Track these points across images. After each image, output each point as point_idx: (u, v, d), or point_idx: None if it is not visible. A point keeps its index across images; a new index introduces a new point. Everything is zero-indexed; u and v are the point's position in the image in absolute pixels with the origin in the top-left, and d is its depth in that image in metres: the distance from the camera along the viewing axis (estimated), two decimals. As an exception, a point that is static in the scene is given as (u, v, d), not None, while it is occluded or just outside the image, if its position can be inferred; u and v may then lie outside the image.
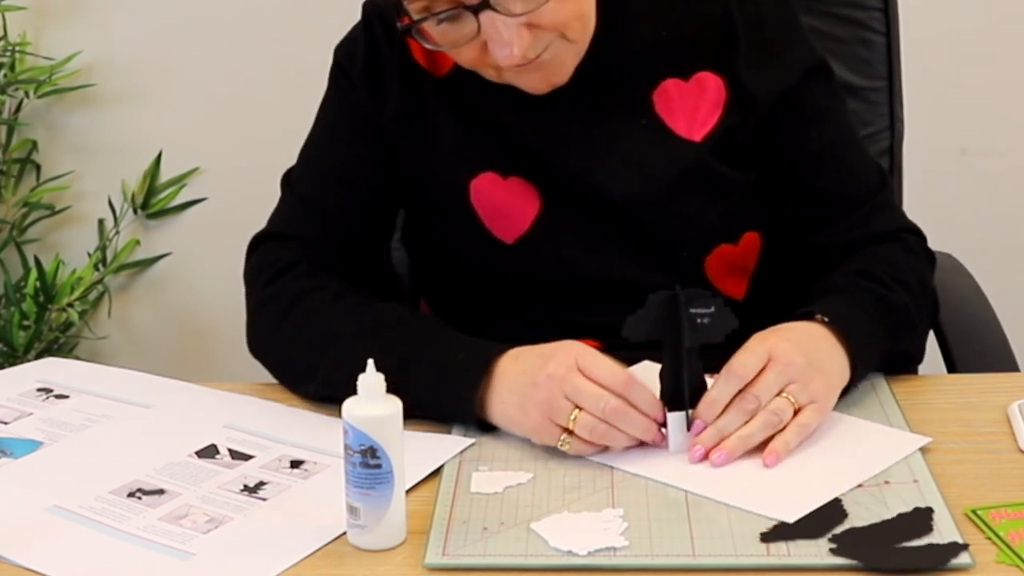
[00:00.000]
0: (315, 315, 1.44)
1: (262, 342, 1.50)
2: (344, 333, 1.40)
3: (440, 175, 1.52)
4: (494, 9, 1.33)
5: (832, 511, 1.18)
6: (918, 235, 1.56)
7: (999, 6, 2.51)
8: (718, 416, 1.28)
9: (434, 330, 1.41)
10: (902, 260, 1.50)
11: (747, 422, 1.28)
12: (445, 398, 1.34)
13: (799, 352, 1.30)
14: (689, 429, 1.29)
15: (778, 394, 1.29)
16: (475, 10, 1.34)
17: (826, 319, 1.36)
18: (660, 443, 1.29)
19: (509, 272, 1.53)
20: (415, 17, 1.37)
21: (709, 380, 1.30)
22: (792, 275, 1.56)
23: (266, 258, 1.53)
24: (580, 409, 1.27)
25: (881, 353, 1.41)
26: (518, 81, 1.43)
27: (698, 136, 1.49)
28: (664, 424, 1.29)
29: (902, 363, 1.47)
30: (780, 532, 1.15)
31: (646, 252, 1.50)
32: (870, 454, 1.28)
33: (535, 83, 1.44)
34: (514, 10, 1.34)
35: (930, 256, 1.56)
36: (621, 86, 1.49)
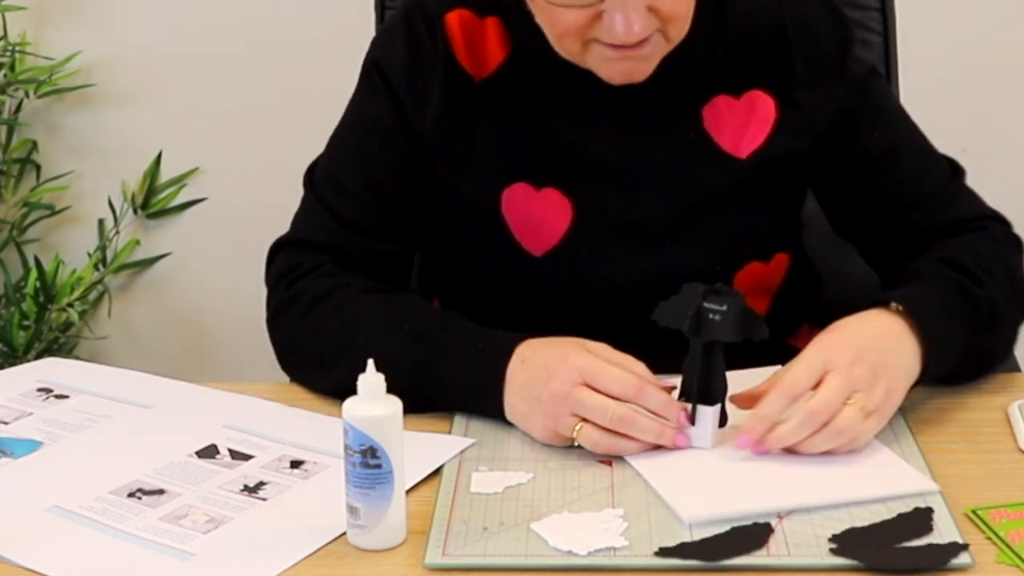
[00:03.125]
0: (339, 310, 1.43)
1: (285, 341, 1.49)
2: (369, 327, 1.40)
3: (473, 183, 1.50)
4: None
5: (755, 531, 1.16)
6: (1002, 222, 1.53)
7: (999, 5, 2.51)
8: (774, 425, 1.25)
9: (454, 324, 1.40)
10: (988, 248, 1.46)
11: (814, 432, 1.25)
12: (468, 394, 1.35)
13: (859, 360, 1.27)
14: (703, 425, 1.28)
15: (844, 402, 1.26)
16: None
17: (901, 308, 1.33)
18: (680, 445, 1.28)
19: (535, 285, 1.51)
20: None
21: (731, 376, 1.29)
22: (811, 296, 1.56)
23: (289, 262, 1.51)
24: (585, 421, 1.26)
25: (961, 349, 1.37)
26: (602, 66, 1.41)
27: (743, 153, 1.49)
28: (692, 421, 1.28)
29: (986, 362, 1.43)
30: (680, 550, 1.13)
31: (677, 266, 1.46)
32: (870, 481, 1.24)
33: (617, 72, 1.41)
34: None
35: (1017, 243, 1.52)
36: (672, 99, 1.47)
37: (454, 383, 1.35)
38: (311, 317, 1.45)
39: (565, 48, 1.41)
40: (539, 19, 1.41)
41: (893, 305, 1.34)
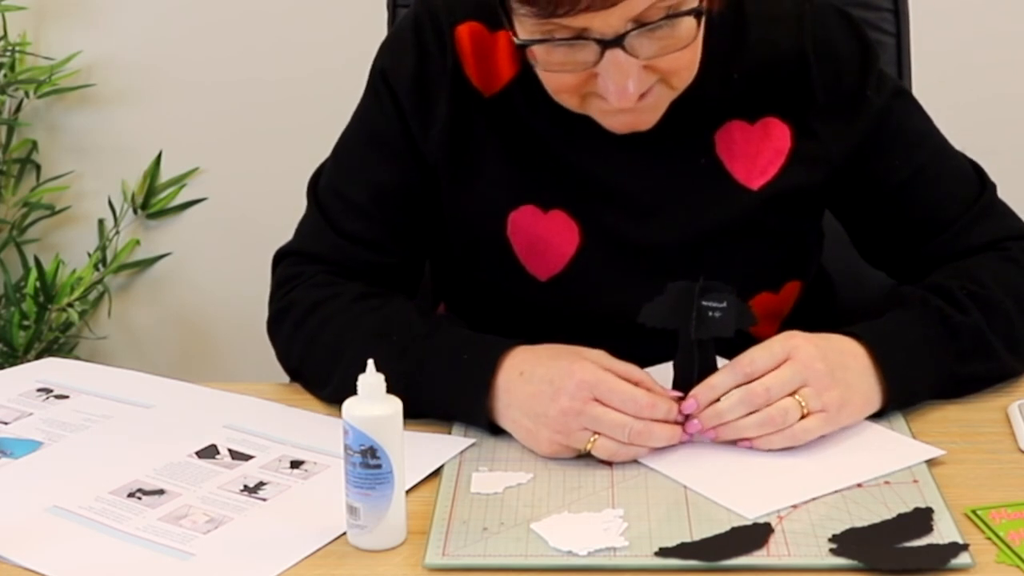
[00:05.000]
0: (328, 323, 1.43)
1: (283, 352, 1.49)
2: (356, 340, 1.38)
3: (479, 205, 1.47)
4: (624, 49, 1.28)
5: (755, 531, 1.16)
6: None
7: (1012, 4, 2.50)
8: (716, 400, 1.28)
9: (439, 333, 1.38)
10: (991, 273, 1.42)
11: (751, 413, 1.27)
12: (456, 406, 1.34)
13: (822, 358, 1.29)
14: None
15: (791, 394, 1.27)
16: (605, 45, 1.27)
17: (865, 341, 1.33)
18: (690, 432, 1.29)
19: (538, 308, 1.49)
20: (532, 36, 1.30)
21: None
22: (823, 315, 1.54)
23: (288, 272, 1.50)
24: (598, 434, 1.26)
25: (938, 376, 1.36)
26: (604, 118, 1.37)
27: (756, 184, 1.45)
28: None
29: (974, 384, 1.40)
30: (679, 550, 1.13)
31: None
32: (872, 459, 1.27)
33: (620, 124, 1.37)
34: (643, 53, 1.29)
35: None
36: (685, 122, 1.42)
37: (441, 397, 1.34)
38: (302, 330, 1.45)
39: (563, 102, 1.37)
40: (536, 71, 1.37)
41: (861, 337, 1.34)
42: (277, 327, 1.49)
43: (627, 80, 1.30)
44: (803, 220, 1.52)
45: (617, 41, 1.28)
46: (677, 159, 1.45)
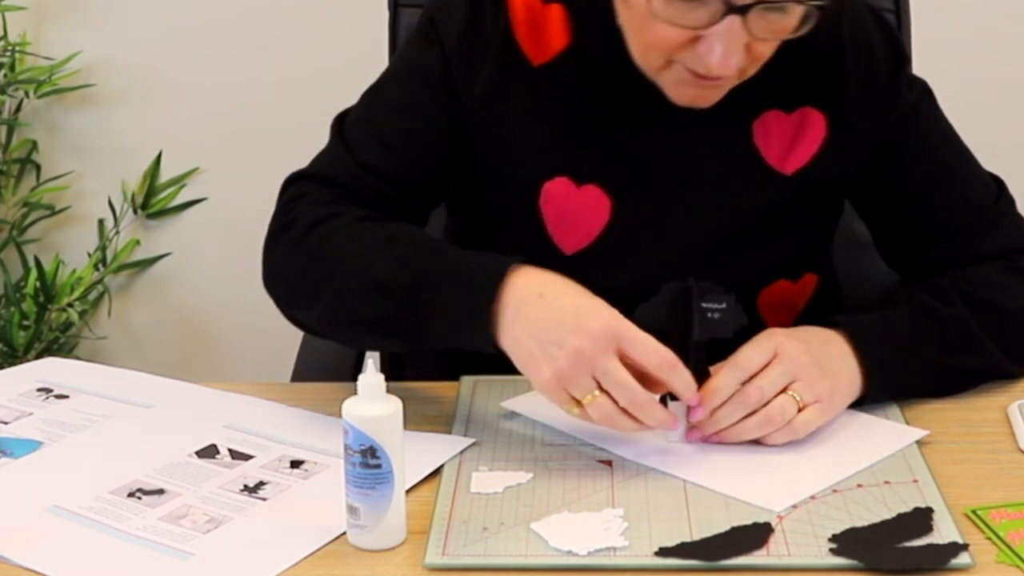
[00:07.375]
0: (331, 237, 1.39)
1: (276, 269, 1.44)
2: (359, 252, 1.36)
3: (514, 171, 1.48)
4: (746, 21, 1.29)
5: (755, 531, 1.16)
6: None
7: (1011, 5, 2.50)
8: (719, 406, 1.28)
9: (448, 247, 1.35)
10: (991, 279, 1.44)
11: (749, 414, 1.28)
12: (455, 320, 1.28)
13: (806, 351, 1.31)
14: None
15: (783, 391, 1.28)
16: (734, 11, 1.28)
17: (844, 330, 1.35)
18: (690, 439, 1.30)
19: None
20: None
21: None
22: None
23: (296, 192, 1.47)
24: (601, 390, 1.22)
25: (928, 367, 1.38)
26: (675, 87, 1.38)
27: (790, 169, 1.47)
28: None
29: (967, 378, 1.41)
30: (681, 550, 1.13)
31: (705, 277, 1.37)
32: (867, 447, 1.29)
33: (686, 96, 1.39)
34: (759, 32, 1.30)
35: None
36: (724, 110, 1.42)
37: (442, 306, 1.28)
38: (303, 244, 1.40)
39: (646, 59, 1.38)
40: (625, 21, 1.38)
41: (839, 327, 1.36)
42: (275, 244, 1.45)
43: (733, 49, 1.31)
44: (828, 211, 1.54)
45: (743, 9, 1.29)
46: (713, 145, 1.46)
